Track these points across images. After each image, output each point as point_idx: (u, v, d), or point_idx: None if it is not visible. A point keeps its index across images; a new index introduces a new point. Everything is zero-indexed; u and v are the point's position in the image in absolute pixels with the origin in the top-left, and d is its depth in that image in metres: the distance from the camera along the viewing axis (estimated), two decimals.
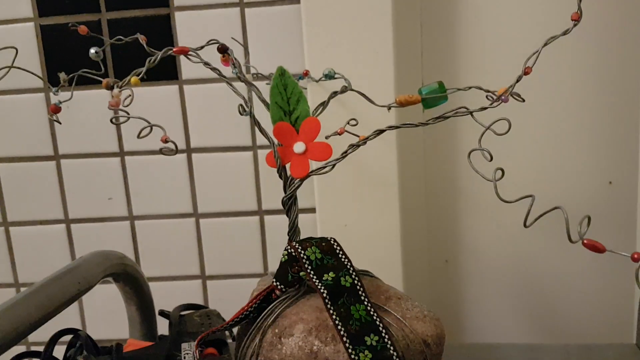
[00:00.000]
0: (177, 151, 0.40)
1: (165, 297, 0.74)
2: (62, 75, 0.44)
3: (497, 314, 0.74)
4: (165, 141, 0.40)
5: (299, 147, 0.45)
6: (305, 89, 0.63)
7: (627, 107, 0.67)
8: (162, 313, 0.63)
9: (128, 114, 0.42)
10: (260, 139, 0.70)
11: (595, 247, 0.30)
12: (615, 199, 0.69)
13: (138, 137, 0.42)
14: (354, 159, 0.70)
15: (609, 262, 0.69)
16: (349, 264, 0.46)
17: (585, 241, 0.31)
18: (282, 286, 0.46)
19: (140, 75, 0.43)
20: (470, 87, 0.51)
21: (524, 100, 0.45)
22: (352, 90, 0.54)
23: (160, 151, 0.41)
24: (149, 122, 0.42)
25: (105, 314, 0.78)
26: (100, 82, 0.45)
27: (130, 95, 0.40)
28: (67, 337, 0.53)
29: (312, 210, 0.70)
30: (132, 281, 0.56)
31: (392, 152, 0.66)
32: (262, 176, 0.71)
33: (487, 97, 0.46)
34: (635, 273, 0.29)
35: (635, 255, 0.29)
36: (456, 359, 0.56)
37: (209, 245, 0.74)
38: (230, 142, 0.71)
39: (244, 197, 0.72)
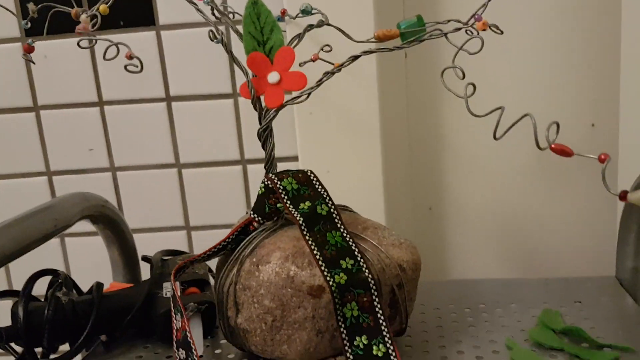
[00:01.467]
0: (142, 69, 0.40)
1: (150, 248, 0.74)
2: (31, 6, 0.43)
3: (480, 256, 0.75)
4: (130, 57, 0.39)
5: (273, 77, 0.45)
6: (285, 31, 0.62)
7: (609, 51, 0.67)
8: (145, 258, 0.63)
9: (95, 38, 0.41)
10: None
11: (564, 151, 0.30)
12: (598, 141, 0.70)
13: (104, 58, 0.41)
14: (335, 105, 0.70)
15: (589, 202, 0.70)
16: (325, 193, 0.45)
17: (553, 146, 0.31)
18: (259, 218, 0.46)
19: (109, 3, 0.42)
20: (449, 21, 0.50)
21: (502, 32, 0.45)
22: (329, 25, 0.53)
23: (125, 68, 0.40)
24: (111, 41, 0.41)
25: (91, 267, 0.78)
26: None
27: (96, 20, 0.39)
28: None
29: (295, 158, 0.70)
30: (112, 224, 0.55)
31: (373, 98, 0.66)
32: (244, 124, 0.71)
33: (465, 31, 0.45)
34: (601, 173, 0.29)
35: (602, 156, 0.29)
36: (439, 294, 0.57)
37: (193, 196, 0.74)
38: (210, 90, 0.70)
39: (226, 146, 0.72)
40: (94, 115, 0.73)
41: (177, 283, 0.53)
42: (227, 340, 0.47)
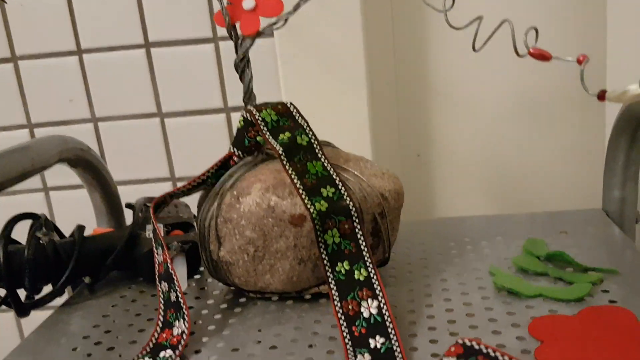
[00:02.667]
0: None
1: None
2: None
3: (467, 199, 0.75)
4: None
5: (248, 3, 0.43)
6: None
7: None
8: (128, 205, 0.62)
9: None
10: (222, 31, 0.68)
11: (543, 56, 0.29)
12: (586, 81, 0.69)
13: None
14: (318, 48, 0.68)
15: (576, 140, 0.69)
16: (305, 124, 0.45)
17: (531, 50, 0.30)
18: (239, 152, 0.45)
19: None
20: None
21: None
22: None
23: None
24: None
25: (77, 221, 0.78)
26: None
27: None
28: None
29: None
30: (92, 169, 0.54)
31: (358, 41, 0.64)
32: (226, 71, 0.69)
33: None
34: (580, 75, 0.28)
35: (580, 58, 0.28)
36: (424, 231, 0.56)
37: (177, 146, 0.73)
38: (190, 35, 0.68)
39: (209, 94, 0.70)
40: (73, 64, 0.71)
41: (160, 224, 0.53)
42: (211, 276, 0.47)
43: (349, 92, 0.66)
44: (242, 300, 0.47)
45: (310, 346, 0.39)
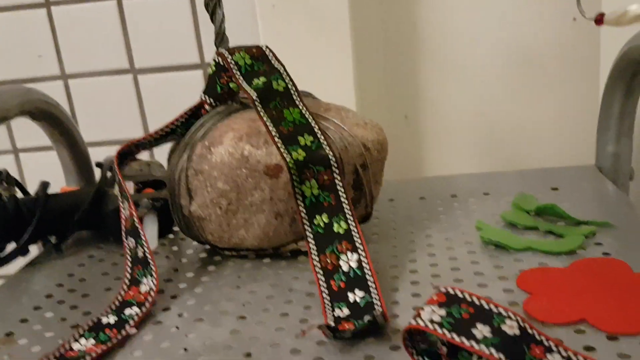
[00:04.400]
0: None
1: None
2: None
3: (457, 161, 0.72)
4: None
5: None
6: None
7: None
8: (98, 164, 0.59)
9: None
10: None
11: None
12: (579, 36, 0.66)
13: None
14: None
15: (569, 100, 0.67)
16: (282, 69, 0.42)
17: None
18: (211, 100, 0.42)
19: None
20: None
21: None
22: None
23: None
24: None
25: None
26: None
27: None
28: None
29: None
30: (58, 123, 0.51)
31: None
32: (202, 24, 0.66)
33: None
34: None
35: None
36: (411, 190, 0.54)
37: (151, 104, 0.69)
38: None
39: (184, 49, 0.67)
40: (42, 17, 0.67)
41: (130, 182, 0.50)
42: (183, 233, 0.44)
43: (332, 51, 0.63)
44: (217, 258, 0.44)
45: (287, 302, 0.37)
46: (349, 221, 0.38)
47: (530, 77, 0.66)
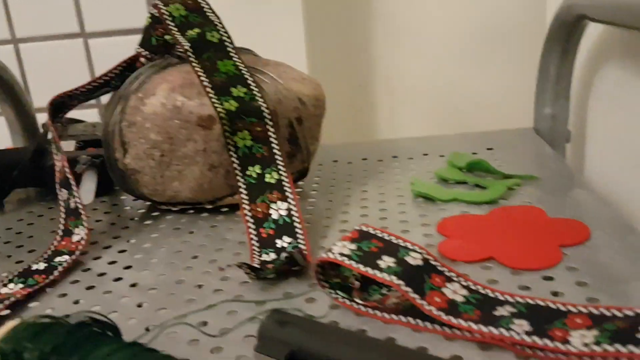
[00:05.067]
0: None
1: None
2: None
3: (410, 127, 0.74)
4: None
5: None
6: None
7: None
8: (44, 125, 0.58)
9: None
10: None
11: None
12: (526, 2, 0.67)
13: None
14: None
15: (514, 70, 0.68)
16: (217, 20, 0.42)
17: None
18: (146, 53, 0.42)
19: None
20: None
21: None
22: None
23: None
24: None
25: None
26: None
27: None
28: None
29: None
30: (2, 84, 0.50)
31: None
32: None
33: None
34: None
35: None
36: (354, 151, 0.55)
37: (102, 68, 0.68)
38: None
39: (135, 12, 0.66)
40: None
41: (70, 142, 0.50)
42: (120, 188, 0.44)
43: (283, 19, 0.63)
44: (155, 214, 0.45)
45: (217, 250, 0.38)
46: (281, 172, 0.38)
47: (479, 46, 0.67)
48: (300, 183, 0.48)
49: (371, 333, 0.27)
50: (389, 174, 0.48)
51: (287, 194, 0.38)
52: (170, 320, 0.29)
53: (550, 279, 0.29)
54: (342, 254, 0.28)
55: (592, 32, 0.51)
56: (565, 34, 0.48)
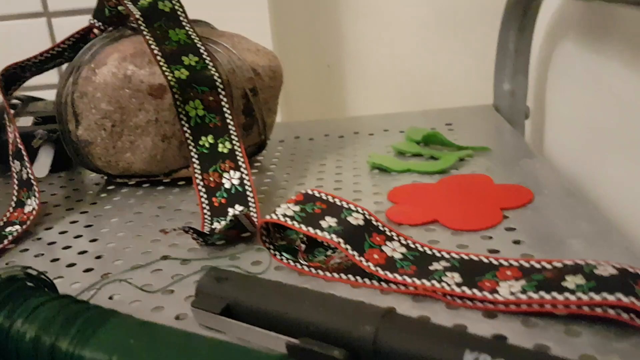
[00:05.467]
0: None
1: None
2: None
3: (377, 106, 0.74)
4: None
5: None
6: None
7: None
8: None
9: None
10: None
11: None
12: None
13: None
14: None
15: (484, 46, 0.69)
16: None
17: None
18: (99, 24, 0.42)
19: None
20: None
21: None
22: None
23: None
24: None
25: None
26: None
27: None
28: None
29: None
30: None
31: None
32: None
33: None
34: None
35: None
36: (317, 128, 0.55)
37: None
38: None
39: None
40: None
41: (27, 118, 0.49)
42: (74, 161, 0.44)
43: (247, 3, 0.63)
44: (111, 187, 0.44)
45: (169, 220, 0.37)
46: (234, 141, 0.38)
47: (442, 25, 0.68)
48: (259, 158, 0.48)
49: None
50: (348, 149, 0.48)
51: (239, 163, 0.38)
52: (112, 277, 0.29)
53: (489, 238, 0.30)
54: (284, 215, 0.28)
55: (550, 8, 0.51)
56: (521, 9, 0.49)
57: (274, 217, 0.28)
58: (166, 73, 0.38)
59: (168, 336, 0.19)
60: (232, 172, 0.37)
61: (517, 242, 0.29)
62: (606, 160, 0.42)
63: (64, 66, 0.51)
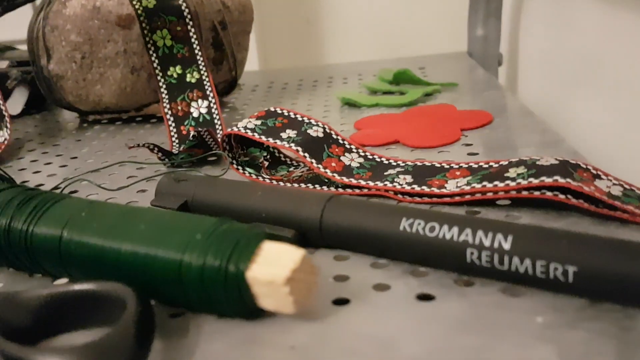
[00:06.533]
0: None
1: None
2: None
3: (354, 57, 0.74)
4: None
5: None
6: None
7: None
8: None
9: None
10: None
11: None
12: None
13: None
14: None
15: None
16: None
17: None
18: None
19: None
20: None
21: None
22: None
23: None
24: None
25: None
26: None
27: None
28: None
29: None
30: None
31: None
32: None
33: None
34: None
35: None
36: (296, 73, 0.55)
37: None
38: None
39: None
40: None
41: (2, 62, 0.49)
42: (48, 100, 0.44)
43: None
44: (85, 125, 0.45)
45: (136, 153, 0.38)
46: (202, 71, 0.38)
47: None
48: (232, 99, 0.49)
49: None
50: (321, 90, 0.48)
51: (207, 92, 0.38)
52: (72, 178, 0.30)
53: (445, 152, 0.31)
54: (245, 127, 0.29)
55: None
56: None
57: (235, 129, 0.29)
58: (134, 2, 0.38)
59: (118, 208, 0.19)
60: (200, 101, 0.38)
61: (472, 154, 0.30)
62: (572, 98, 0.43)
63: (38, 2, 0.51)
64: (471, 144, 0.31)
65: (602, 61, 0.38)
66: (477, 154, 0.30)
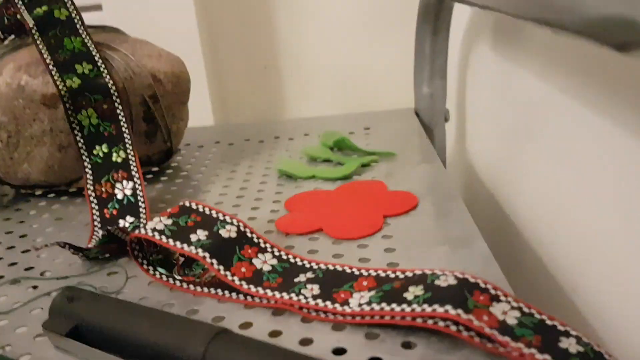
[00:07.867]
0: None
1: None
2: None
3: (314, 104, 0.74)
4: None
5: None
6: None
7: None
8: None
9: None
10: None
11: None
12: None
13: None
14: None
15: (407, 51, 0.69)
16: None
17: None
18: None
19: None
20: None
21: None
22: None
23: None
24: None
25: None
26: None
27: None
28: None
29: (98, 7, 0.63)
30: None
31: None
32: None
33: None
34: None
35: None
36: (240, 132, 0.54)
37: None
38: None
39: None
40: None
41: None
42: None
43: (174, 13, 0.62)
44: (17, 197, 0.43)
45: (61, 232, 0.37)
46: (128, 150, 0.38)
47: (374, 27, 0.68)
48: (173, 164, 0.48)
49: (178, 306, 0.27)
50: (264, 154, 0.48)
51: (132, 173, 0.37)
52: None
53: (364, 246, 0.30)
54: (154, 229, 0.28)
55: (465, 13, 0.52)
56: (433, 14, 0.49)
57: (143, 232, 0.28)
58: (57, 82, 0.37)
59: None
60: (125, 182, 0.37)
61: (388, 250, 0.29)
62: (518, 152, 0.43)
63: None
64: (390, 236, 0.31)
65: (546, 115, 0.38)
66: (394, 249, 0.29)
